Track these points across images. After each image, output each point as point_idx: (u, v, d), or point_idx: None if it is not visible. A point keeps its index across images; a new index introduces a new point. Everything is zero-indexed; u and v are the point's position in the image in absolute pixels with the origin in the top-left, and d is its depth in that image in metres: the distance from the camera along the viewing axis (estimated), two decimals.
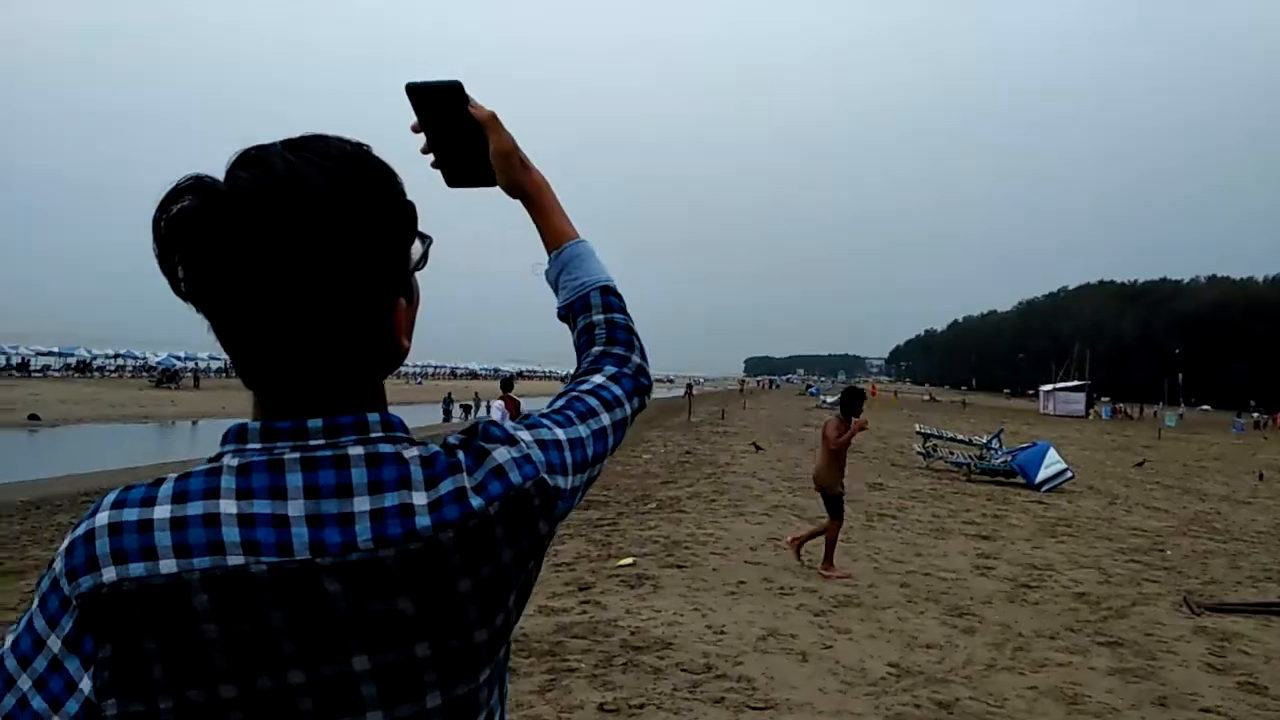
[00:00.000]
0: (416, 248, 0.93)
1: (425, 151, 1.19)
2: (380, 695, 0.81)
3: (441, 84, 1.15)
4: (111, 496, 0.82)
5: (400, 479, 0.84)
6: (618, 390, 1.13)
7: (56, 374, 61.94)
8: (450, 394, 48.19)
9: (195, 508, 0.80)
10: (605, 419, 1.08)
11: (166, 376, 59.56)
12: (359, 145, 0.89)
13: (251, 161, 0.83)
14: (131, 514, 0.80)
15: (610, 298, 1.22)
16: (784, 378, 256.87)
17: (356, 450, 0.84)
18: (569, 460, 0.98)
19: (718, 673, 5.68)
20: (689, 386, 56.99)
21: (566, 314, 1.24)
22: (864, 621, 7.11)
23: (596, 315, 1.20)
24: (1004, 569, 9.52)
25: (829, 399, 58.15)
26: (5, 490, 16.21)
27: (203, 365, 72.21)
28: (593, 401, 1.09)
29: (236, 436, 0.85)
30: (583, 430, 1.03)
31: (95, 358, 70.00)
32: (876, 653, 6.31)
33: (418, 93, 1.15)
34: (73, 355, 68.88)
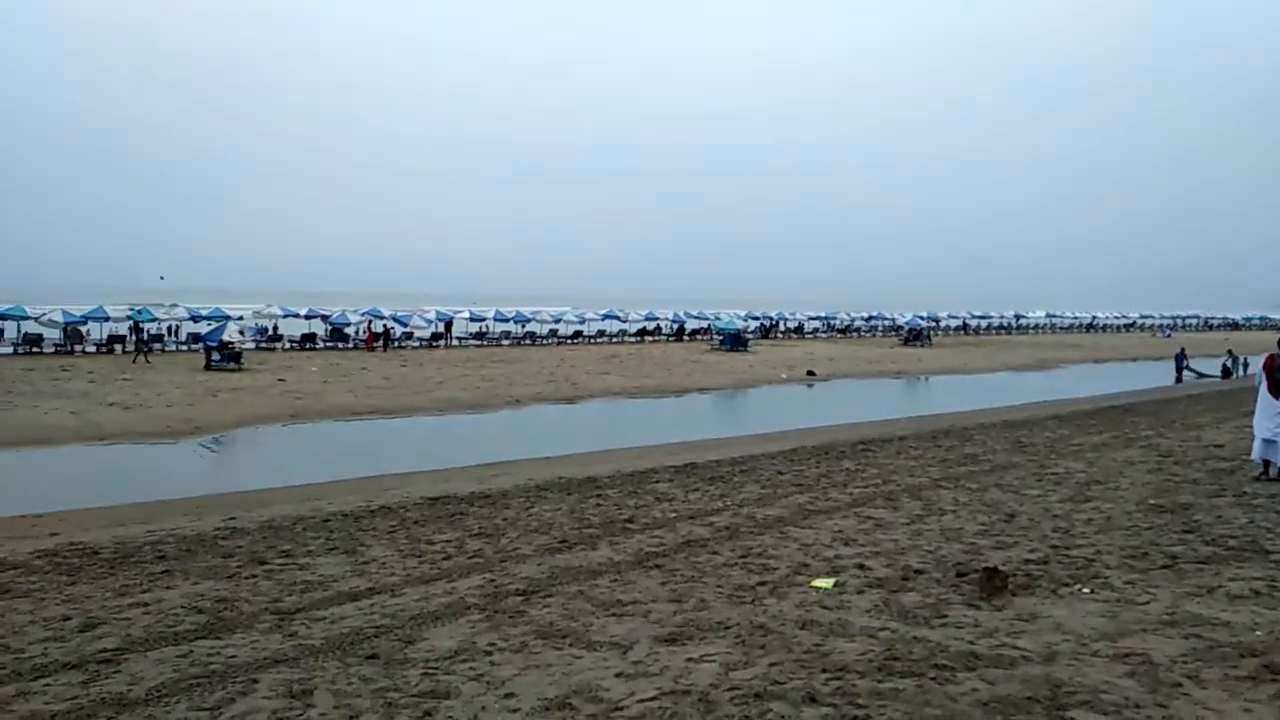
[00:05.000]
0: None
1: None
2: None
3: None
4: None
5: None
6: None
7: (824, 335, 71.32)
8: (1184, 348, 41.73)
9: None
10: None
11: (913, 335, 63.93)
12: None
13: None
14: None
15: None
16: None
17: None
18: None
19: None
20: None
21: None
22: None
23: None
24: None
25: None
26: (799, 435, 19.02)
27: (943, 324, 76.12)
28: None
29: None
30: None
31: (853, 320, 78.67)
32: None
33: None
34: (835, 319, 78.50)
